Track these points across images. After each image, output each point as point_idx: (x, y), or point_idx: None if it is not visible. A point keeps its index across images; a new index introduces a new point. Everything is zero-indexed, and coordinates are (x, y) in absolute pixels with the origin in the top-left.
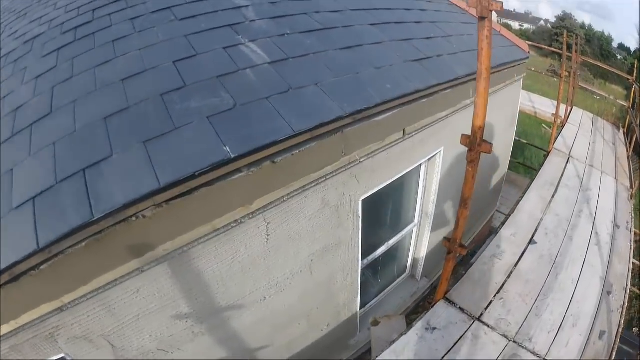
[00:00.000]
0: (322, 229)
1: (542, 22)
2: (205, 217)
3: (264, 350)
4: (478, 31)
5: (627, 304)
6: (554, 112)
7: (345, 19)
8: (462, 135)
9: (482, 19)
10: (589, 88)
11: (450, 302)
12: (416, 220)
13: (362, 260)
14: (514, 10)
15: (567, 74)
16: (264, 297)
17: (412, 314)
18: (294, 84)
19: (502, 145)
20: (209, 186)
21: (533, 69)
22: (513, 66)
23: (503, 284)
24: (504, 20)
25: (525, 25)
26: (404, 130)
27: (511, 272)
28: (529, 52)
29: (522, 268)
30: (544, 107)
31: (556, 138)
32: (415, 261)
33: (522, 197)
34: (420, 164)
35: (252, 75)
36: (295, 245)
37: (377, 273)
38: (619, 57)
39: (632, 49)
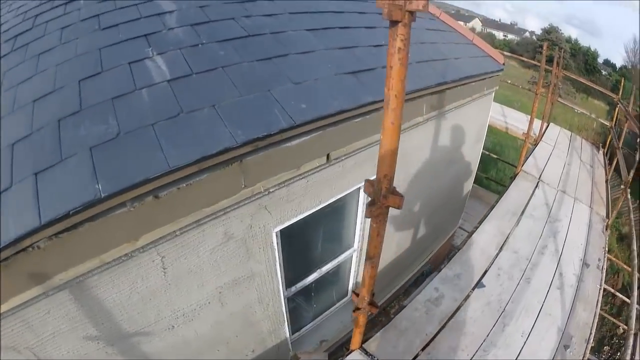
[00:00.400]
0: (227, 262)
1: (527, 34)
2: (92, 251)
3: None
4: (389, 41)
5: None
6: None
7: (278, 24)
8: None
9: (393, 23)
10: (568, 104)
11: (367, 354)
12: (356, 245)
13: (288, 288)
14: (499, 20)
15: (543, 90)
16: (171, 325)
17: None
18: (187, 106)
19: (466, 163)
20: (91, 222)
21: (510, 82)
22: (483, 79)
23: (434, 336)
24: (488, 30)
25: (510, 36)
26: (328, 155)
27: (446, 322)
28: (503, 64)
29: (462, 317)
30: (518, 122)
31: (526, 158)
32: (358, 284)
33: (475, 229)
34: (359, 188)
35: (146, 96)
36: (198, 278)
37: (311, 299)
38: (603, 72)
39: (618, 65)
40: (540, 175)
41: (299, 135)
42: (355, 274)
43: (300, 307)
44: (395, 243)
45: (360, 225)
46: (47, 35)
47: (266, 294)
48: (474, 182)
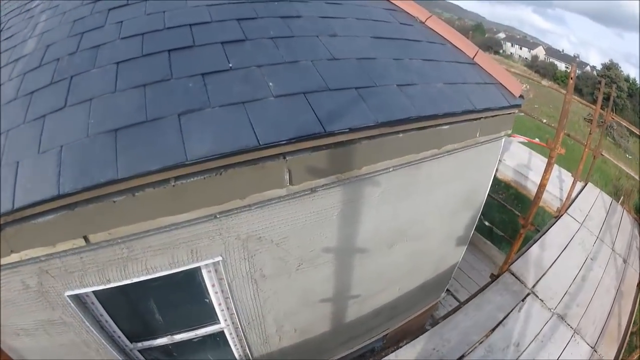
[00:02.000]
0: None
1: (588, 68)
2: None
3: None
4: None
5: None
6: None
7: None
8: None
9: None
10: (613, 158)
11: None
12: (222, 323)
13: (134, 342)
14: (562, 50)
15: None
16: None
17: None
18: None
19: (447, 234)
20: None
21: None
22: (476, 118)
23: None
24: (551, 59)
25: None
26: (85, 238)
27: None
28: (521, 98)
29: None
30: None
31: (529, 246)
32: (249, 349)
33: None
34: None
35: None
36: None
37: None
38: None
39: None
40: (536, 284)
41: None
42: (237, 348)
43: None
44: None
45: (218, 303)
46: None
47: (92, 341)
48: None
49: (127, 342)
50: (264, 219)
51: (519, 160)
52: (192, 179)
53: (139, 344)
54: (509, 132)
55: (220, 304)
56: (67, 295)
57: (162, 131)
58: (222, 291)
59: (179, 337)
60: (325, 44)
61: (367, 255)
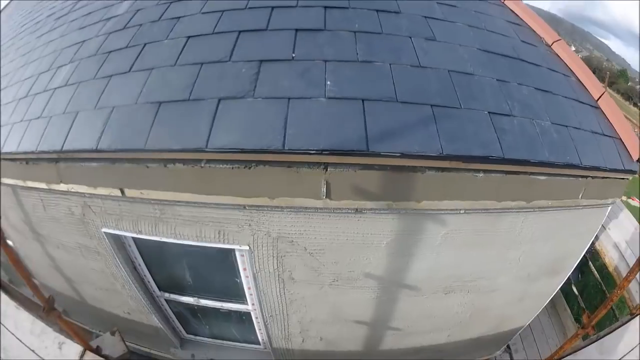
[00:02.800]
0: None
1: None
2: None
3: None
4: None
5: None
6: None
7: None
8: None
9: None
10: None
11: None
12: (250, 305)
13: (161, 291)
14: None
15: None
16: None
17: None
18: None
19: (519, 296)
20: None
21: None
22: (582, 176)
23: None
24: None
25: None
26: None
27: None
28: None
29: None
30: None
31: None
32: (265, 342)
33: None
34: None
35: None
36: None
37: (205, 320)
38: None
39: None
40: None
41: None
42: (262, 333)
43: (191, 319)
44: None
45: (248, 287)
46: None
47: (120, 277)
48: None
49: (156, 288)
50: (298, 224)
51: (623, 232)
52: (220, 166)
53: (167, 294)
54: (618, 199)
55: (249, 288)
56: (104, 232)
57: (198, 113)
58: (248, 276)
59: (204, 302)
60: (417, 47)
61: (417, 294)
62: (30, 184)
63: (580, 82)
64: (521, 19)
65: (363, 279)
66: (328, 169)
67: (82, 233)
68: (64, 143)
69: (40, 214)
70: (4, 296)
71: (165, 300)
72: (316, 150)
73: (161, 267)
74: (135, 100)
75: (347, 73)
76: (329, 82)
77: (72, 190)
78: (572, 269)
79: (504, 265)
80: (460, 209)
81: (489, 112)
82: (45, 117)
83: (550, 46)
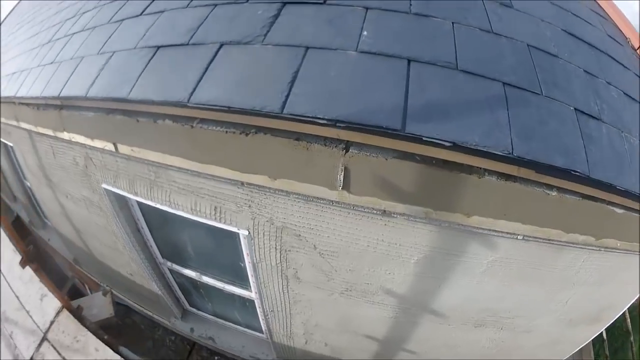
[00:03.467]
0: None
1: None
2: None
3: None
4: None
5: None
6: None
7: None
8: None
9: None
10: None
11: None
12: (253, 293)
13: (164, 259)
14: None
15: None
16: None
17: None
18: None
19: (553, 339)
20: None
21: None
22: None
23: None
24: None
25: None
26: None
27: None
28: None
29: None
30: None
31: None
32: (267, 332)
33: None
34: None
35: None
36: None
37: (208, 297)
38: None
39: None
40: None
41: None
42: (264, 322)
43: (193, 293)
44: None
45: (251, 278)
46: None
47: (120, 236)
48: None
49: (159, 255)
50: (308, 217)
51: None
52: (212, 128)
53: (169, 263)
54: None
55: (252, 275)
56: (104, 187)
57: (192, 59)
58: (253, 263)
59: (205, 279)
60: (489, 10)
61: (443, 322)
62: (40, 129)
63: None
64: (605, 11)
65: (381, 295)
66: (349, 151)
67: (85, 186)
68: (62, 89)
69: (51, 160)
70: (4, 237)
71: (169, 269)
72: (327, 119)
73: (165, 234)
74: (135, 45)
75: (392, 25)
76: (365, 33)
77: (74, 139)
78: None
79: (549, 307)
80: (519, 234)
81: (575, 109)
82: (57, 63)
83: (636, 50)
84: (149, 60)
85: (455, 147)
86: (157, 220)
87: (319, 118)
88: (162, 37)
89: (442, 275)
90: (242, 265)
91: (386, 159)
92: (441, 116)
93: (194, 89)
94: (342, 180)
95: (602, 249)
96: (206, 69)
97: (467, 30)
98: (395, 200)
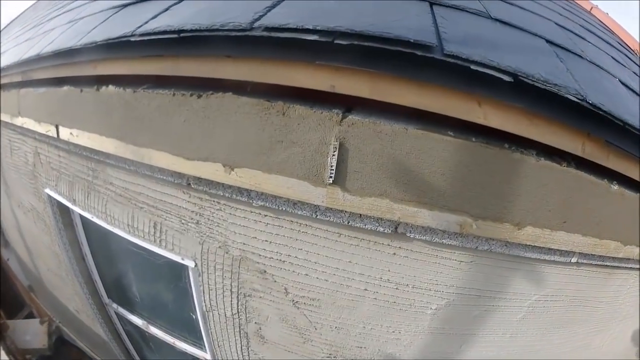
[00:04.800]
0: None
1: None
2: None
3: None
4: None
5: None
6: None
7: None
8: None
9: None
10: None
11: None
12: (209, 354)
13: (109, 298)
14: None
15: None
16: None
17: None
18: None
19: None
20: None
21: None
22: None
23: None
24: None
25: None
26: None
27: None
28: None
29: None
30: None
31: None
32: None
33: None
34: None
35: None
36: None
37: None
38: None
39: None
40: None
41: None
42: None
43: (143, 346)
44: None
45: (202, 327)
46: None
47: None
48: None
49: (105, 294)
50: (278, 241)
51: None
52: (157, 91)
53: (115, 305)
54: None
55: (203, 329)
56: (47, 193)
57: (155, 6)
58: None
59: (153, 330)
60: None
61: None
62: (3, 117)
63: None
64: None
65: None
66: (350, 116)
67: (33, 191)
68: (22, 56)
69: (9, 159)
70: None
71: (115, 312)
72: (321, 31)
73: (110, 266)
74: (103, 8)
75: None
76: None
77: (25, 125)
78: None
79: (581, 355)
80: (574, 255)
81: (620, 81)
82: (29, 39)
83: None
84: (111, 16)
85: (517, 87)
86: (102, 246)
87: (309, 31)
88: None
89: (468, 329)
90: (194, 315)
91: (406, 130)
92: (487, 46)
93: (145, 23)
94: (334, 168)
95: None
96: (167, 8)
97: None
98: (417, 203)
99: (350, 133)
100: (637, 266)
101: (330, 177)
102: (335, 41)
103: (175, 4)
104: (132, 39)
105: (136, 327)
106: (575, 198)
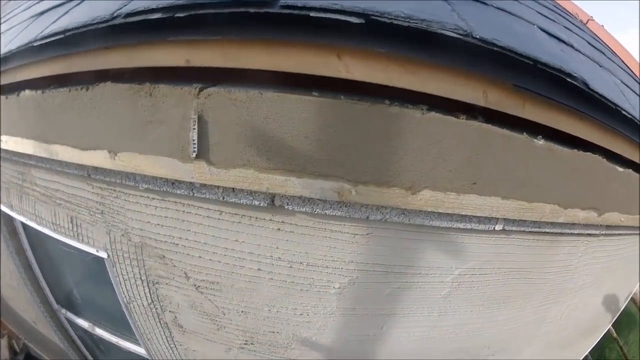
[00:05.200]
0: None
1: None
2: None
3: None
4: None
5: None
6: None
7: None
8: None
9: None
10: None
11: None
12: (143, 350)
13: (58, 303)
14: None
15: None
16: None
17: None
18: None
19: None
20: None
21: None
22: None
23: None
24: None
25: None
26: None
27: None
28: None
29: None
30: None
31: None
32: None
33: None
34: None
35: None
36: None
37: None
38: None
39: None
40: None
41: None
42: None
43: (96, 350)
44: None
45: (130, 319)
46: None
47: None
48: None
49: (54, 301)
50: (167, 224)
51: None
52: (59, 89)
53: (63, 311)
54: None
55: (131, 323)
56: None
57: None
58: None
59: (99, 331)
60: None
61: None
62: None
63: None
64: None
65: (298, 348)
66: (208, 87)
67: None
68: None
69: None
70: None
71: (65, 318)
72: (161, 8)
73: (54, 271)
74: (27, 18)
75: None
76: None
77: None
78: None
79: (538, 330)
80: (497, 221)
81: None
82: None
83: None
84: (30, 24)
85: (375, 30)
86: (42, 250)
87: (153, 10)
88: None
89: (384, 309)
90: (122, 309)
91: (261, 94)
92: None
93: (46, 27)
94: (195, 141)
95: (602, 234)
96: (67, 12)
97: None
98: (284, 170)
99: (207, 105)
100: (587, 231)
101: (194, 151)
102: (176, 15)
103: (76, 5)
104: (35, 43)
105: (85, 330)
106: (484, 155)
